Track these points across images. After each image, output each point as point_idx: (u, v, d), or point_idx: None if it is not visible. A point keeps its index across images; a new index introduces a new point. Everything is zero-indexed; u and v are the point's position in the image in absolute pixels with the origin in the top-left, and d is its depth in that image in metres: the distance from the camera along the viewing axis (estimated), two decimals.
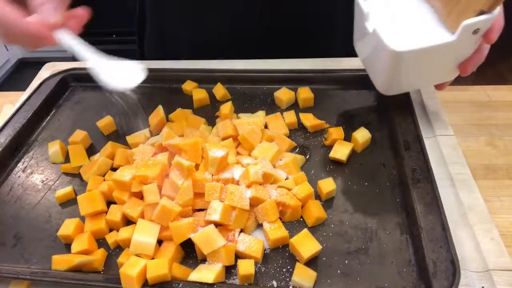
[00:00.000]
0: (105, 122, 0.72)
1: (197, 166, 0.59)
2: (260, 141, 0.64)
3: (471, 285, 0.47)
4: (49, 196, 0.62)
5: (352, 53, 0.71)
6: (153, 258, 0.51)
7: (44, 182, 0.65)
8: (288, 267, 0.51)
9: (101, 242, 0.55)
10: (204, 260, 0.52)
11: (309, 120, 0.69)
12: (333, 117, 0.71)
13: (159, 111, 0.71)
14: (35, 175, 0.66)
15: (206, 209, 0.54)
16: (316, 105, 0.74)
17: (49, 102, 0.79)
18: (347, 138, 0.66)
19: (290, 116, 0.70)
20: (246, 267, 0.49)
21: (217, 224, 0.53)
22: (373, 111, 0.72)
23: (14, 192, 0.63)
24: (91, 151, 0.69)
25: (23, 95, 0.81)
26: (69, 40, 0.51)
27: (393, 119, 0.66)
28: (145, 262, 0.49)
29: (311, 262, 0.51)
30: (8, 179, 0.66)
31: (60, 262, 0.51)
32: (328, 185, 0.57)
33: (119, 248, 0.55)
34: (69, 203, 0.61)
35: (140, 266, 0.48)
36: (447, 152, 0.63)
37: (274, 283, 0.49)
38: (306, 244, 0.50)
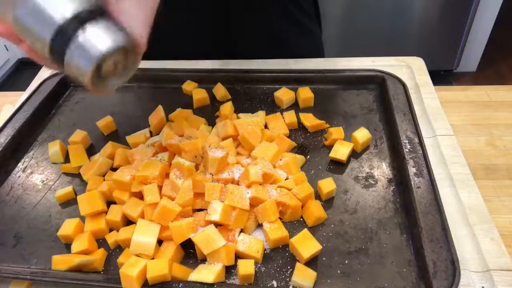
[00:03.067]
0: (105, 122, 0.72)
1: (197, 166, 0.59)
2: (260, 141, 0.64)
3: (471, 285, 0.47)
4: (49, 196, 0.62)
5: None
6: (153, 258, 0.51)
7: (44, 182, 0.65)
8: (288, 267, 0.51)
9: (101, 242, 0.55)
10: (204, 260, 0.52)
11: (309, 120, 0.69)
12: (333, 117, 0.71)
13: (159, 111, 0.71)
14: (35, 175, 0.66)
15: (206, 209, 0.54)
16: (316, 105, 0.74)
17: (49, 102, 0.79)
18: (347, 138, 0.66)
19: (290, 116, 0.70)
20: (246, 267, 0.49)
21: (217, 224, 0.53)
22: (373, 111, 0.72)
23: (14, 192, 0.63)
24: (91, 151, 0.69)
25: (23, 95, 0.81)
26: None
27: (393, 119, 0.66)
28: (145, 262, 0.49)
29: (311, 262, 0.51)
30: (8, 179, 0.66)
31: (60, 262, 0.51)
32: (328, 185, 0.57)
33: (119, 248, 0.55)
34: (69, 203, 0.61)
35: (140, 266, 0.48)
36: (447, 152, 0.63)
37: (274, 283, 0.49)
38: (306, 244, 0.50)
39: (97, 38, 0.39)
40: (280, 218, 0.56)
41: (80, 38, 0.38)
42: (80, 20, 0.38)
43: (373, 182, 0.60)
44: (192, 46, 0.87)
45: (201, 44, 0.87)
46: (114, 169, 0.63)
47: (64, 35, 0.38)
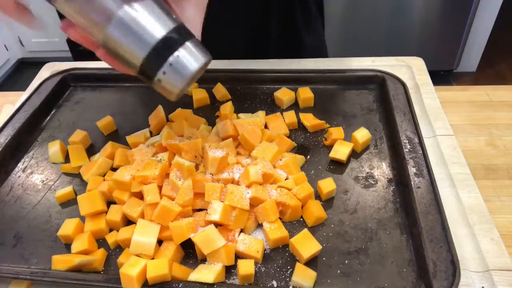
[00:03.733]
0: (105, 122, 0.72)
1: (197, 166, 0.59)
2: (260, 141, 0.64)
3: (471, 285, 0.47)
4: (49, 196, 0.62)
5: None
6: (153, 258, 0.51)
7: (44, 182, 0.65)
8: (288, 267, 0.51)
9: (101, 242, 0.55)
10: (204, 260, 0.52)
11: (309, 120, 0.69)
12: (333, 117, 0.71)
13: (159, 111, 0.71)
14: (35, 175, 0.66)
15: (206, 209, 0.54)
16: (316, 105, 0.74)
17: (49, 102, 0.79)
18: (347, 138, 0.66)
19: (290, 116, 0.70)
20: (246, 267, 0.49)
21: (217, 224, 0.53)
22: (373, 111, 0.72)
23: (14, 192, 0.63)
24: (91, 151, 0.69)
25: (23, 95, 0.81)
26: None
27: (393, 119, 0.66)
28: (145, 262, 0.49)
29: (311, 262, 0.51)
30: (8, 179, 0.66)
31: (60, 262, 0.51)
32: (328, 185, 0.57)
33: (119, 248, 0.55)
34: (69, 203, 0.61)
35: (140, 266, 0.48)
36: (447, 152, 0.63)
37: (274, 283, 0.49)
38: (306, 244, 0.50)
39: (187, 59, 0.42)
40: (280, 218, 0.56)
41: (172, 59, 0.41)
42: (170, 40, 0.41)
43: (373, 182, 0.60)
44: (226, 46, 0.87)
45: (232, 42, 0.87)
46: (114, 169, 0.63)
47: (157, 55, 0.41)
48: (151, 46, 0.41)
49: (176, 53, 0.41)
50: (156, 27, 0.41)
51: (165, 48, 0.41)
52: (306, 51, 0.87)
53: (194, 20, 0.47)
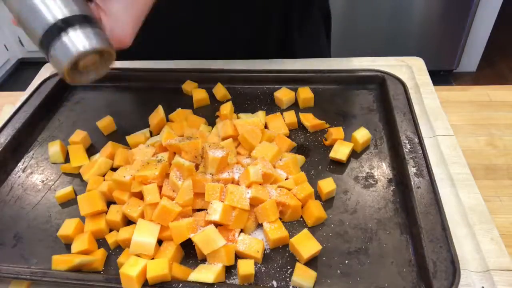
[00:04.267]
0: (105, 122, 0.72)
1: (197, 166, 0.59)
2: (260, 141, 0.64)
3: (471, 285, 0.47)
4: (49, 196, 0.62)
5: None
6: (153, 258, 0.51)
7: (44, 182, 0.65)
8: (288, 267, 0.51)
9: (101, 242, 0.55)
10: (204, 260, 0.52)
11: (309, 120, 0.69)
12: (333, 117, 0.71)
13: (159, 111, 0.71)
14: (35, 175, 0.66)
15: (206, 209, 0.54)
16: (316, 105, 0.74)
17: (49, 102, 0.79)
18: (347, 138, 0.66)
19: (290, 116, 0.70)
20: (246, 267, 0.49)
21: (217, 224, 0.53)
22: (373, 111, 0.72)
23: (14, 192, 0.63)
24: (91, 151, 0.69)
25: (23, 95, 0.81)
26: None
27: (393, 119, 0.66)
28: (145, 262, 0.49)
29: (311, 262, 0.51)
30: (8, 179, 0.66)
31: (60, 262, 0.51)
32: (328, 185, 0.57)
33: (119, 248, 0.55)
34: (69, 203, 0.61)
35: (140, 266, 0.48)
36: (447, 152, 0.63)
37: (274, 283, 0.49)
38: (306, 244, 0.50)
39: (77, 40, 0.46)
40: (280, 218, 0.56)
41: (64, 37, 0.45)
42: (68, 23, 0.46)
43: (373, 182, 0.60)
44: (199, 46, 0.87)
45: (205, 44, 0.86)
46: (114, 169, 0.63)
47: (52, 33, 0.46)
48: (49, 25, 0.45)
49: (68, 33, 0.45)
50: (58, 10, 0.46)
51: (60, 28, 0.45)
52: (303, 56, 0.87)
53: (120, 16, 0.48)
